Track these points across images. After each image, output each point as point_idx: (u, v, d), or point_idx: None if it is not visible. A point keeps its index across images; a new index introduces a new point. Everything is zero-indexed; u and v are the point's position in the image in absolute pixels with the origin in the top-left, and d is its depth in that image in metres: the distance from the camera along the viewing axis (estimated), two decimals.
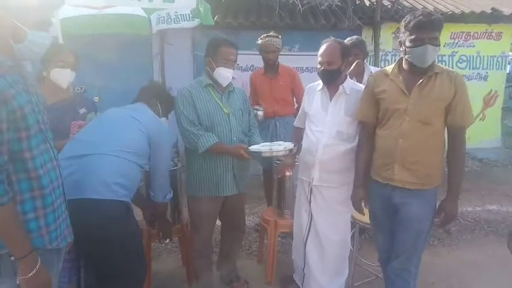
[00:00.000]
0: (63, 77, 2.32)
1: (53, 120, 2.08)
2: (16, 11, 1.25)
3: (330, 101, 2.39)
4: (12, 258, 1.26)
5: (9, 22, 1.24)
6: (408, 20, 1.98)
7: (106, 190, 1.81)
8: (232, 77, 2.51)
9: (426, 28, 1.91)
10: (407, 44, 1.98)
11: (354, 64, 3.02)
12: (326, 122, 2.37)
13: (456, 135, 2.04)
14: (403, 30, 2.01)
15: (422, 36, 1.92)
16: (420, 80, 2.01)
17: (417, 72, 2.02)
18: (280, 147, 2.33)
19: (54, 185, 1.37)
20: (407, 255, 2.12)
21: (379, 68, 3.73)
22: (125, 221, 1.88)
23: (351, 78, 3.04)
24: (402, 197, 2.09)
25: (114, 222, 1.80)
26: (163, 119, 2.35)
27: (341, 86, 2.36)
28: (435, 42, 1.93)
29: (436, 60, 2.02)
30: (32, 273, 1.25)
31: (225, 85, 2.46)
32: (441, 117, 2.00)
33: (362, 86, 2.42)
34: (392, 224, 2.16)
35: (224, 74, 2.42)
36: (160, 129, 2.13)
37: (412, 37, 1.95)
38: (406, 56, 2.02)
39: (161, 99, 2.34)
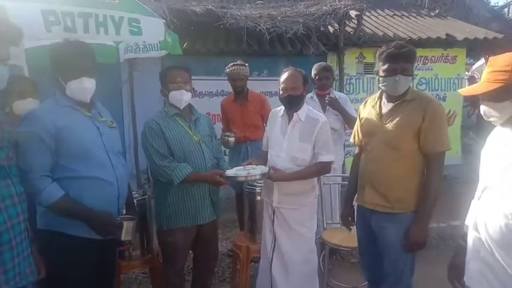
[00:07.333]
0: (26, 107, 2.25)
1: None
2: None
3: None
4: None
5: None
6: (381, 50, 2.05)
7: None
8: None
9: (397, 59, 1.99)
10: (381, 73, 2.05)
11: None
12: (282, 147, 2.46)
13: (430, 161, 2.03)
14: (377, 60, 2.08)
15: (393, 67, 2.00)
16: (391, 107, 2.08)
17: (392, 100, 2.09)
18: (256, 170, 2.34)
19: (13, 222, 1.33)
20: (393, 280, 2.10)
21: (343, 94, 3.89)
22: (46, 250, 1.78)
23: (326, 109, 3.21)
24: (377, 220, 2.14)
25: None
26: (72, 83, 1.84)
27: (295, 114, 2.44)
28: (407, 72, 2.00)
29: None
30: None
31: (182, 107, 2.44)
32: (413, 143, 2.01)
33: (318, 114, 2.51)
34: (375, 246, 2.17)
35: (176, 97, 2.40)
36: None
37: (384, 67, 2.03)
38: (380, 85, 2.09)
39: (58, 70, 1.85)
